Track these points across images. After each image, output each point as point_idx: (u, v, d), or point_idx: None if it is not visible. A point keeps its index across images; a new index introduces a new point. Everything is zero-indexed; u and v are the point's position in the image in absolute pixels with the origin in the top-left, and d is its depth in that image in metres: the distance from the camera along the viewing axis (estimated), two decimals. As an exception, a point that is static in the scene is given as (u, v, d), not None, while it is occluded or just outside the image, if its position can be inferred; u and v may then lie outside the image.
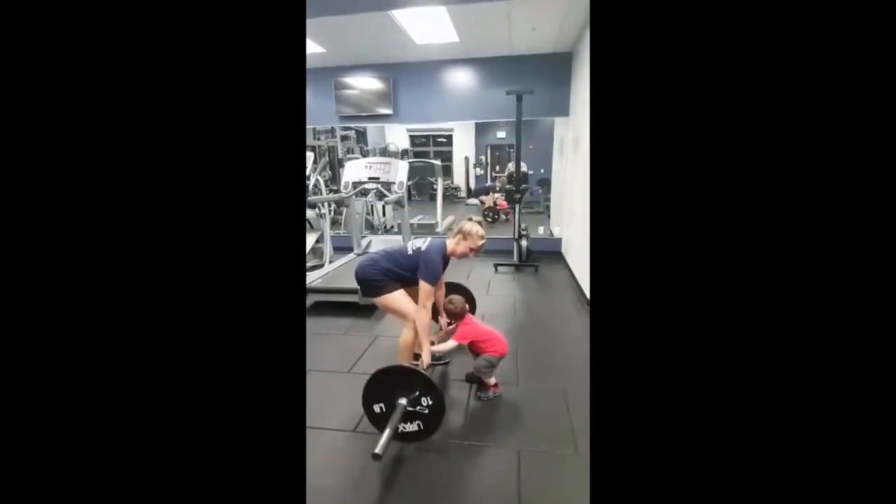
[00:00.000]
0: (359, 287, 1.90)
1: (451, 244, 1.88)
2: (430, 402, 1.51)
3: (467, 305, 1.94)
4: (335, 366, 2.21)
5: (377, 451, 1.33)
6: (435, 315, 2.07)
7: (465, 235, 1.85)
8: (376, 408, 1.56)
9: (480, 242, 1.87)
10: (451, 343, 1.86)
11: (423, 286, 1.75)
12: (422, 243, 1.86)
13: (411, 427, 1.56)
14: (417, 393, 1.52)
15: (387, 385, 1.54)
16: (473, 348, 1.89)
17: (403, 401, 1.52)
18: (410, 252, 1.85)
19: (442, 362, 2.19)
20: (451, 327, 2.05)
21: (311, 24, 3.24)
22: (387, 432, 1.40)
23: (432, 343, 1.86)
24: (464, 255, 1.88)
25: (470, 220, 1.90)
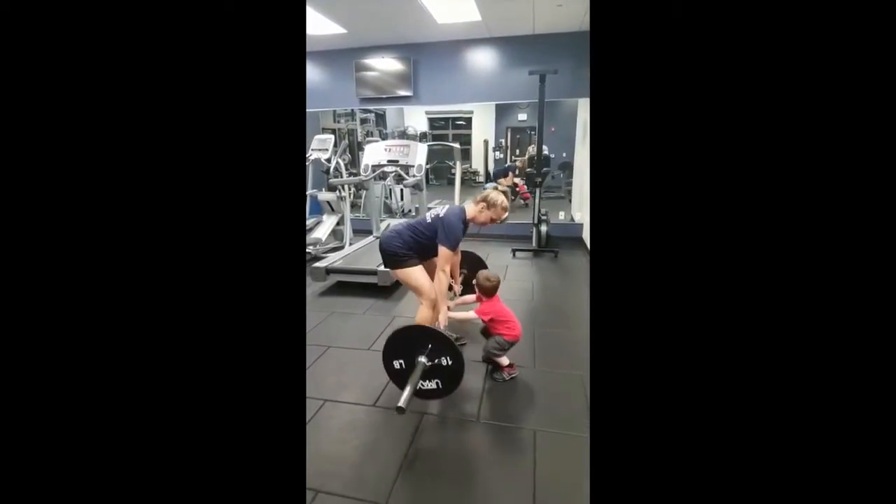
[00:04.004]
0: (382, 259, 1.94)
1: (472, 210, 1.87)
2: (450, 362, 1.54)
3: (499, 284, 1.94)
4: (355, 343, 2.27)
5: (401, 404, 1.36)
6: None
7: (489, 205, 1.84)
8: (396, 364, 1.60)
9: (504, 215, 1.86)
10: (470, 314, 1.88)
11: (442, 251, 1.77)
12: (440, 210, 1.87)
13: (430, 385, 1.59)
14: (436, 351, 1.54)
15: (407, 343, 1.58)
16: (488, 327, 1.90)
17: (423, 358, 1.55)
18: (430, 220, 1.86)
19: (459, 343, 2.21)
20: (467, 297, 2.06)
21: (332, 3, 3.22)
22: (408, 388, 1.43)
23: (449, 308, 1.88)
24: (484, 224, 1.88)
25: (496, 188, 1.88)
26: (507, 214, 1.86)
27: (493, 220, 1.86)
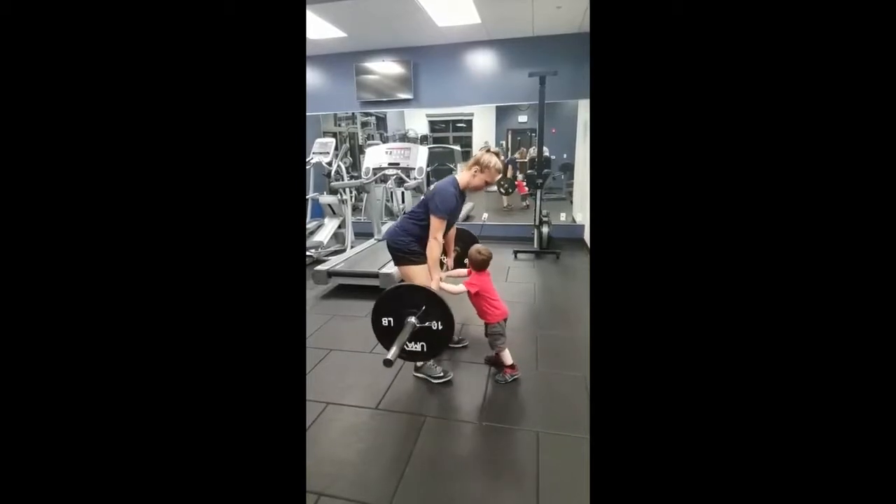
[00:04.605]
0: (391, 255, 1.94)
1: (465, 176, 1.82)
2: (440, 327, 1.52)
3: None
4: (357, 346, 2.26)
5: (389, 357, 1.36)
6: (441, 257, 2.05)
7: (482, 167, 1.78)
8: (384, 321, 1.58)
9: (498, 176, 1.82)
10: (459, 287, 1.86)
11: (433, 220, 1.73)
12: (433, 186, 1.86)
13: (415, 347, 1.59)
14: (428, 314, 1.53)
15: (400, 302, 1.57)
16: (473, 303, 1.90)
17: (413, 319, 1.53)
18: (423, 198, 1.85)
19: (460, 345, 2.21)
20: (458, 270, 2.06)
21: (332, 7, 3.24)
22: (395, 346, 1.43)
23: (441, 279, 1.87)
24: (478, 189, 1.82)
25: (487, 150, 1.82)
26: (500, 176, 1.80)
27: (487, 184, 1.81)
